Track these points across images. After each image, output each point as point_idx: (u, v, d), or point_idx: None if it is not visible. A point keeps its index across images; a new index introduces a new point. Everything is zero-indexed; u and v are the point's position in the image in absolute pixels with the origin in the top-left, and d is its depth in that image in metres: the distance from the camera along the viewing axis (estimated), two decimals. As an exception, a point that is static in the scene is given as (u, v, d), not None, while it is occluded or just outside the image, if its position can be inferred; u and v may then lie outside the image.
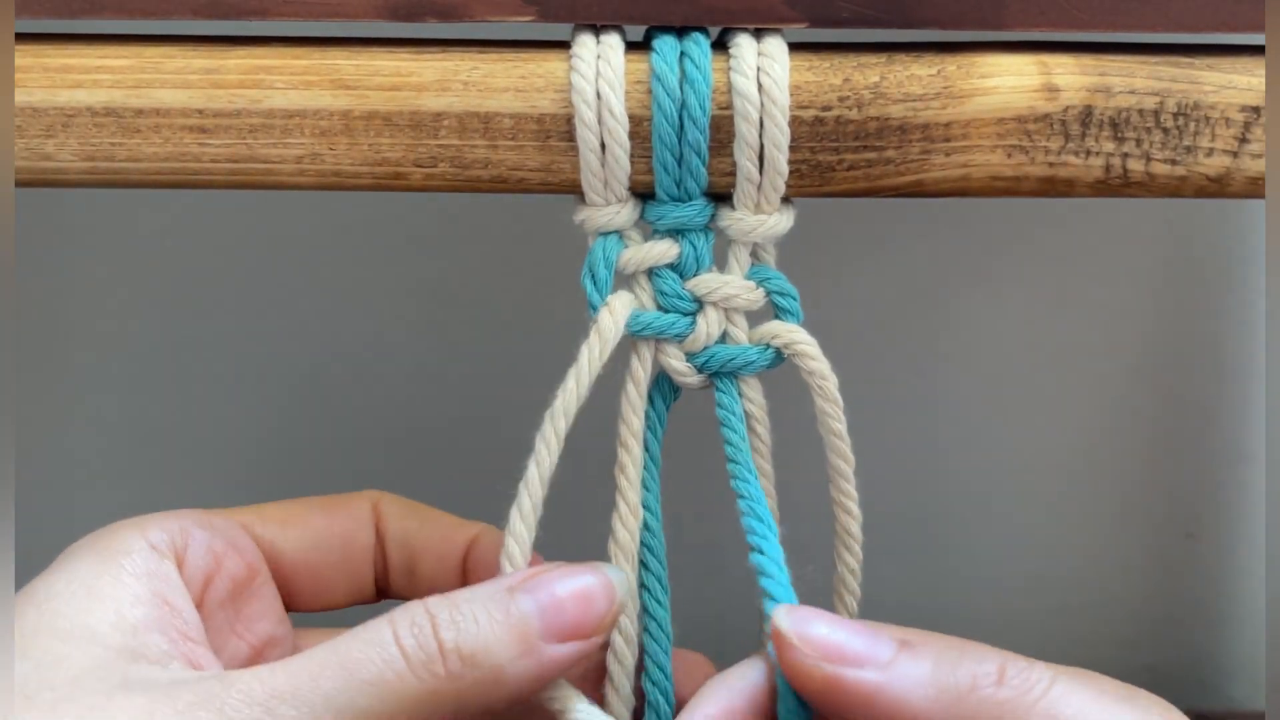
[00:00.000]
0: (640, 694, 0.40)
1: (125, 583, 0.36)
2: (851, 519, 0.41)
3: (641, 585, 0.39)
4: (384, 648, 0.34)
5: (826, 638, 0.35)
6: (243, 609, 0.40)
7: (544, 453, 0.38)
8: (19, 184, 0.38)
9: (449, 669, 0.34)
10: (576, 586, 0.36)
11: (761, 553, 0.38)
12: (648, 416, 0.40)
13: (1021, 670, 0.35)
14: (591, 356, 0.38)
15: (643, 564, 0.39)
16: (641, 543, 0.40)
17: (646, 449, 0.40)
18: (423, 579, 0.42)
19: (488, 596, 0.35)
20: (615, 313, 0.38)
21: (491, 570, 0.39)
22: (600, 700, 0.39)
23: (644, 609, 0.40)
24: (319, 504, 0.42)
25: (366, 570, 0.42)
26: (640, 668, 0.40)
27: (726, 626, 0.48)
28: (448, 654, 0.34)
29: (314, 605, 0.42)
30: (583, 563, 0.37)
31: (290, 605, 0.41)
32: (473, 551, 0.42)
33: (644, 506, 0.40)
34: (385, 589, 0.43)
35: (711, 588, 0.56)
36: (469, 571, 0.42)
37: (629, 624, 0.39)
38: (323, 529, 0.41)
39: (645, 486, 0.40)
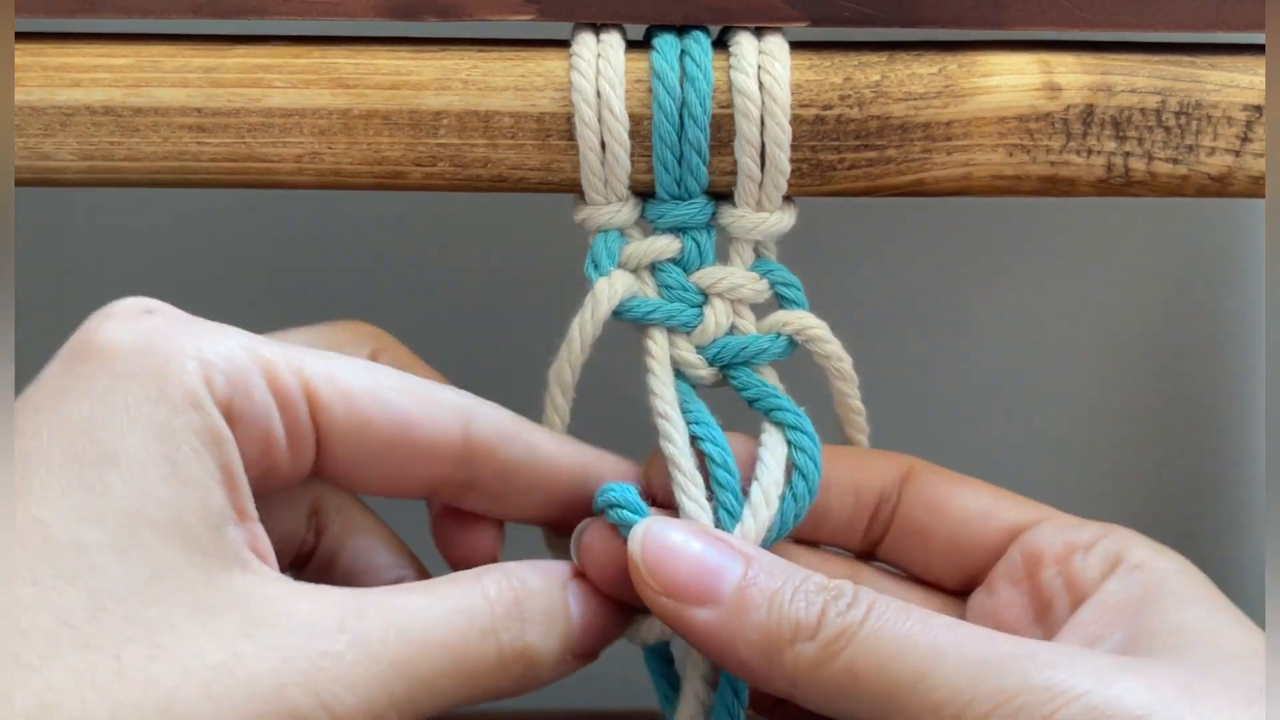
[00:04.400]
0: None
1: (201, 456, 0.31)
2: None
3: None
4: (482, 638, 0.33)
5: (665, 562, 0.34)
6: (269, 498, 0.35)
7: (552, 415, 0.38)
8: (19, 184, 0.38)
9: (532, 662, 0.34)
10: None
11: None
12: (682, 396, 0.39)
13: (839, 614, 0.33)
14: (584, 323, 0.38)
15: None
16: (717, 500, 0.38)
17: (692, 408, 0.39)
18: (520, 512, 0.38)
19: (546, 605, 0.35)
20: (614, 283, 0.38)
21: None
22: None
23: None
24: (402, 413, 0.34)
25: (425, 485, 0.36)
26: None
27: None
28: (533, 655, 0.34)
29: (340, 484, 0.37)
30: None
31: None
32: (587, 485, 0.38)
33: (716, 465, 0.38)
34: (450, 498, 0.37)
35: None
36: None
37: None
38: (386, 447, 0.35)
39: (714, 441, 0.38)
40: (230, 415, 0.32)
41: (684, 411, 0.38)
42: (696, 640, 0.35)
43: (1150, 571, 0.37)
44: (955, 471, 0.40)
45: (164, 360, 0.31)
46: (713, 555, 0.34)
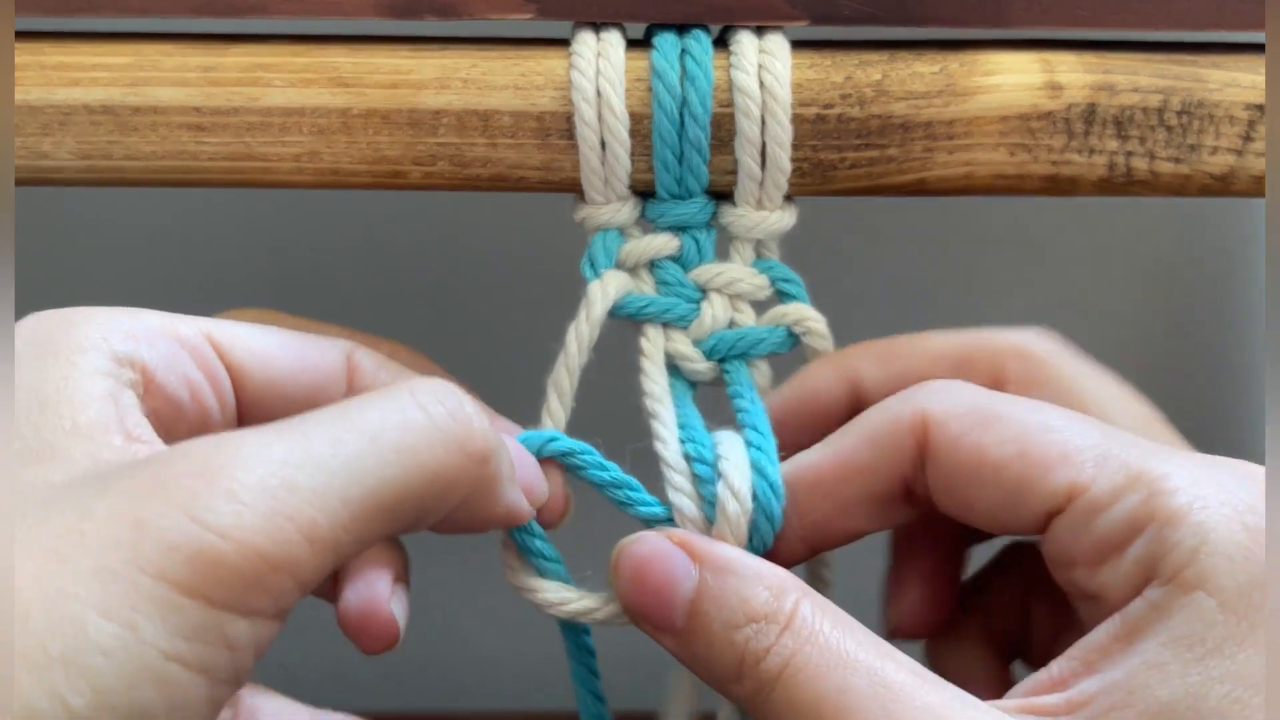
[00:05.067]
0: None
1: (80, 386, 0.30)
2: None
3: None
4: (409, 412, 0.30)
5: (633, 585, 0.34)
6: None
7: (546, 421, 0.38)
8: (17, 183, 0.37)
9: (477, 447, 0.31)
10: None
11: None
12: (675, 399, 0.39)
13: (756, 662, 0.32)
14: (579, 329, 0.38)
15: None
16: (702, 496, 0.37)
17: (680, 409, 0.38)
18: None
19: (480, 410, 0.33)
20: (605, 286, 0.38)
21: None
22: None
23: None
24: (293, 347, 0.35)
25: None
26: None
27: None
28: (475, 433, 0.31)
29: None
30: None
31: None
32: None
33: (695, 460, 0.37)
34: None
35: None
36: None
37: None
38: (290, 376, 0.35)
39: (696, 441, 0.37)
40: (139, 365, 0.32)
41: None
42: (676, 658, 0.35)
43: (1176, 587, 0.31)
44: (961, 410, 0.35)
45: (61, 332, 0.31)
46: (667, 570, 0.34)
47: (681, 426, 0.37)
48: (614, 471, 0.37)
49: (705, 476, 0.36)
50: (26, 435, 0.29)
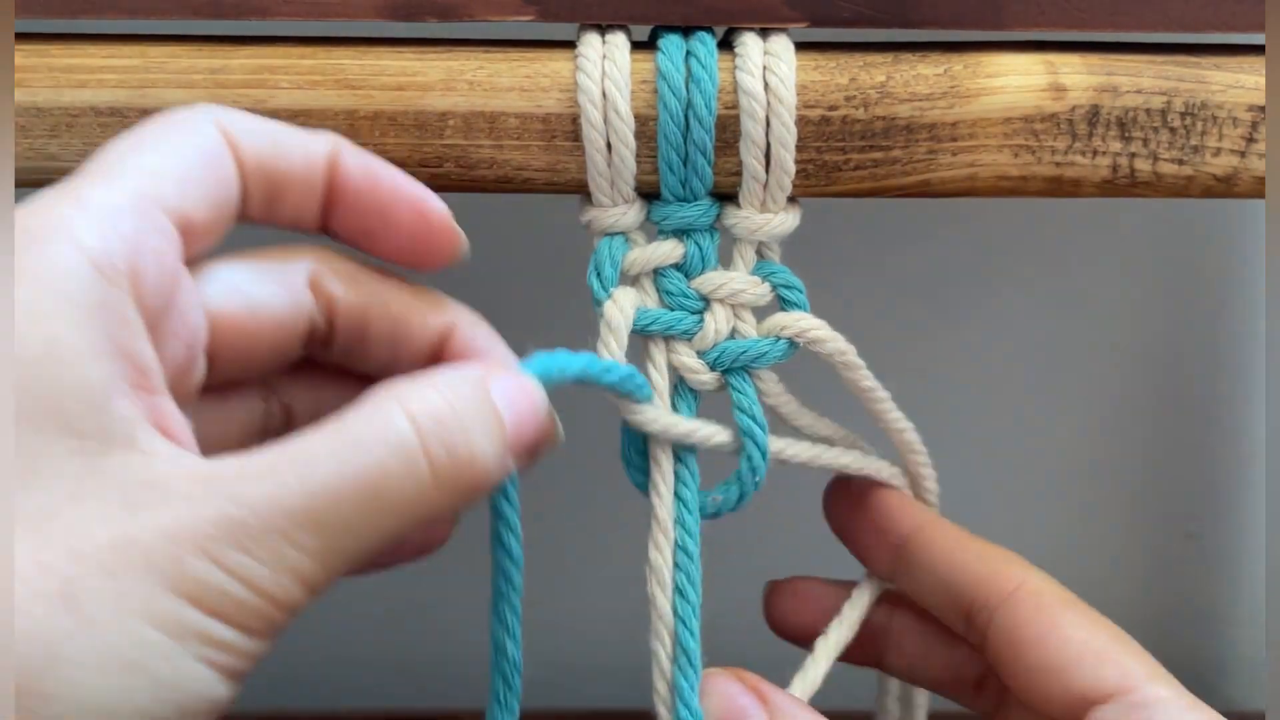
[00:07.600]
0: None
1: (81, 329, 0.29)
2: (909, 432, 0.43)
3: (675, 615, 0.38)
4: (415, 463, 0.31)
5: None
6: (169, 316, 0.33)
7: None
8: (25, 185, 0.37)
9: (467, 484, 0.32)
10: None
11: None
12: (679, 408, 0.39)
13: None
14: (610, 353, 0.38)
15: (678, 591, 0.38)
16: (677, 565, 0.38)
17: (680, 460, 0.39)
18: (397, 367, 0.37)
19: (479, 410, 0.32)
20: (621, 305, 0.38)
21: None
22: None
23: (676, 640, 0.38)
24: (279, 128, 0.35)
25: (316, 207, 0.36)
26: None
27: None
28: (474, 476, 0.32)
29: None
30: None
31: None
32: (450, 344, 0.37)
33: (682, 530, 0.39)
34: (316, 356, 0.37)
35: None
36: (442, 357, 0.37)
37: (664, 655, 0.38)
38: (277, 155, 0.34)
39: (683, 504, 0.39)
40: (136, 274, 0.31)
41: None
42: None
43: None
44: (1062, 594, 0.41)
45: (41, 238, 0.30)
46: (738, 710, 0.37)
47: (682, 504, 0.39)
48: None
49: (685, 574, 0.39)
50: (66, 406, 0.29)
